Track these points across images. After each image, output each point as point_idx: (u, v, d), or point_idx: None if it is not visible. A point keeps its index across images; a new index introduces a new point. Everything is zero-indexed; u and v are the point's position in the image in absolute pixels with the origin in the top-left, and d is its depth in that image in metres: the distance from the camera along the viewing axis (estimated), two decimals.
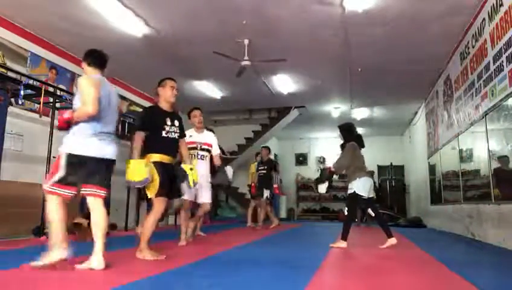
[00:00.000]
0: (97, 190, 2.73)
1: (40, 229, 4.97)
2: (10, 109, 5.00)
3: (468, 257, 4.03)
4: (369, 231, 7.56)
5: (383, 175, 13.99)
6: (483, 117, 5.15)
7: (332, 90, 9.19)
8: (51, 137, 4.99)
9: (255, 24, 5.76)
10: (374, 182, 10.57)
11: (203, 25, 5.81)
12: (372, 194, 4.44)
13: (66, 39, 6.19)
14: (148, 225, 3.27)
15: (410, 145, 12.30)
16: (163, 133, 3.38)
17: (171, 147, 3.45)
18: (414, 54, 6.70)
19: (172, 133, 3.46)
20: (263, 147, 8.41)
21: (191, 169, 3.47)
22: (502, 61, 4.43)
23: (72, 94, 5.86)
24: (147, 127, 3.38)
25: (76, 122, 2.65)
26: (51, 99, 5.22)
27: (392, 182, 13.68)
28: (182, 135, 3.58)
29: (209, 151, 4.63)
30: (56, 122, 2.92)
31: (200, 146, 4.54)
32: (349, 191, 4.39)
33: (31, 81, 5.10)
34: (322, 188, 4.59)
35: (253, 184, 7.82)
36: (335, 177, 4.69)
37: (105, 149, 2.72)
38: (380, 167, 13.92)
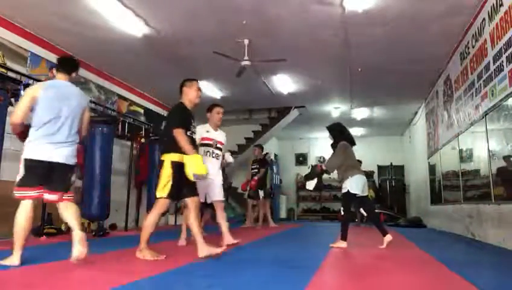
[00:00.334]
0: (47, 193, 2.89)
1: (40, 229, 4.98)
2: (10, 109, 4.98)
3: (468, 257, 4.03)
4: (369, 231, 7.56)
5: (383, 175, 14.00)
6: (483, 117, 5.15)
7: (332, 90, 9.19)
8: None
9: (255, 24, 5.76)
10: (374, 182, 10.43)
11: (203, 25, 5.81)
12: (366, 193, 4.42)
13: (66, 39, 6.19)
14: (148, 224, 3.25)
15: (410, 145, 12.30)
16: (189, 133, 3.36)
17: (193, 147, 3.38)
18: (414, 54, 6.70)
19: (194, 134, 3.50)
20: (255, 145, 8.44)
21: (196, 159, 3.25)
22: (502, 61, 4.43)
23: None
24: (184, 124, 3.32)
25: (27, 129, 2.86)
26: None
27: (392, 182, 13.69)
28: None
29: (221, 150, 4.51)
30: None
31: (216, 144, 4.41)
32: (343, 191, 4.38)
33: (31, 81, 5.10)
34: (311, 184, 4.55)
35: (246, 181, 7.94)
36: (336, 177, 4.67)
37: (54, 153, 2.84)
38: (380, 167, 13.94)
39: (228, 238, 4.15)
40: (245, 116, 11.51)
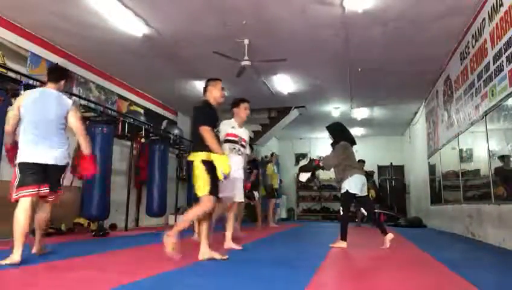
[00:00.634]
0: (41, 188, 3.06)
1: None
2: (10, 109, 5.00)
3: (468, 257, 4.03)
4: (369, 231, 7.56)
5: (383, 175, 13.98)
6: (483, 117, 5.15)
7: (332, 90, 9.18)
8: None
9: (255, 24, 5.76)
10: (374, 182, 10.39)
11: (203, 25, 5.81)
12: (365, 192, 4.42)
13: (66, 39, 6.19)
14: (189, 216, 3.17)
15: (410, 145, 12.30)
16: (214, 131, 3.35)
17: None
18: (414, 54, 6.70)
19: (217, 132, 3.49)
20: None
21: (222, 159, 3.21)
22: (502, 61, 4.43)
23: (72, 94, 5.88)
24: (210, 122, 3.29)
25: (17, 147, 3.08)
26: None
27: (392, 182, 13.68)
28: None
29: (245, 148, 4.37)
30: None
31: (241, 141, 4.26)
32: (342, 191, 4.38)
33: (31, 81, 5.10)
34: (304, 176, 4.56)
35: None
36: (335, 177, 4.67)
37: (45, 155, 3.03)
38: (380, 167, 13.92)
39: (229, 243, 4.10)
40: None
